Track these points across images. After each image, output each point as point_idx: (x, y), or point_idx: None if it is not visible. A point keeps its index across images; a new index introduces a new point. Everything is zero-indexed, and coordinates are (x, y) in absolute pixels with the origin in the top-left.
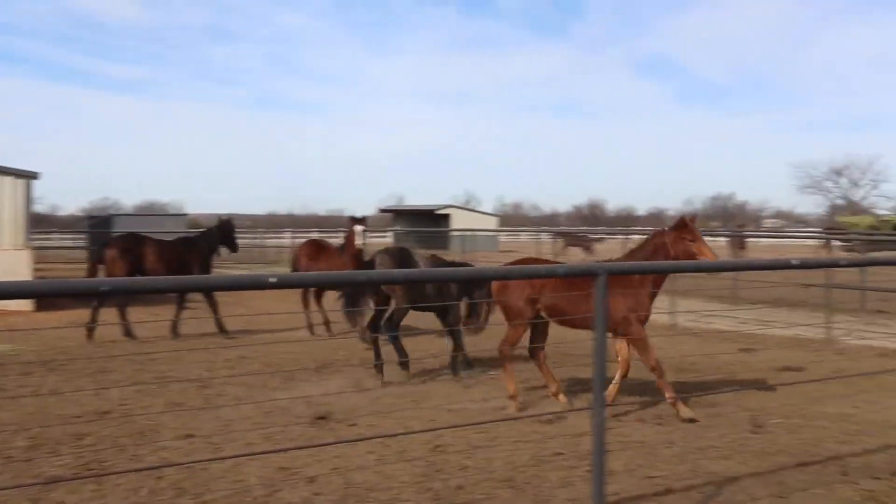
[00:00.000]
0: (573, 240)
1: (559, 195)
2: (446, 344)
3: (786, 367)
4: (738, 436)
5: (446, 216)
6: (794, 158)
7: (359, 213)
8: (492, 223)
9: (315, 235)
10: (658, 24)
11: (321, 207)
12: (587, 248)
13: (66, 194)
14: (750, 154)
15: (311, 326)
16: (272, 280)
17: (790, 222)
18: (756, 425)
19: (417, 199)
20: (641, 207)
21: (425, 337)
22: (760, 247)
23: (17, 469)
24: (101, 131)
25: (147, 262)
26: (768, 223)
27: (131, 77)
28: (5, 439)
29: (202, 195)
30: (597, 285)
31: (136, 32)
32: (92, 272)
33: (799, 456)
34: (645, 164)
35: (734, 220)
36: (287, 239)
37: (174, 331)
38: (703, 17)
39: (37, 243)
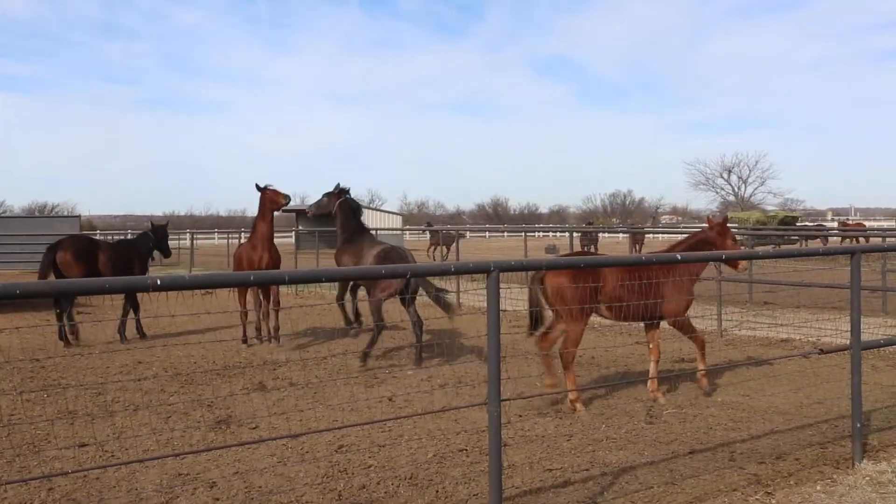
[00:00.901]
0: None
1: (463, 194)
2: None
3: (679, 358)
4: (634, 426)
5: None
6: (687, 156)
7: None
8: (396, 222)
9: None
10: (556, 24)
11: (222, 207)
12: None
13: None
14: (646, 152)
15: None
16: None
17: (685, 218)
18: (651, 416)
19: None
20: (543, 205)
21: (327, 334)
22: (659, 242)
23: None
24: None
25: (99, 265)
26: (664, 219)
27: (16, 74)
28: None
29: (98, 196)
30: (490, 280)
31: (21, 27)
32: (44, 276)
33: (691, 444)
34: (546, 162)
35: (632, 216)
36: (187, 240)
37: (122, 332)
38: (600, 18)
39: None
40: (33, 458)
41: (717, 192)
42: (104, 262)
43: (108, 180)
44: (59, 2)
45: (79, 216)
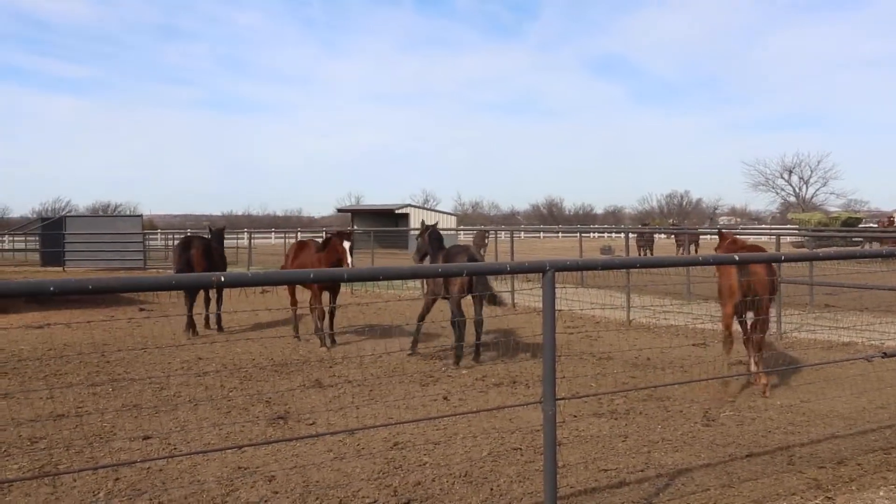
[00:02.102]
0: None
1: (517, 194)
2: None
3: (737, 360)
4: (690, 429)
5: (405, 215)
6: (746, 156)
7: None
8: (451, 222)
9: (272, 236)
10: (611, 23)
11: (279, 207)
12: None
13: (17, 196)
14: (703, 152)
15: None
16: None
17: (744, 219)
18: (708, 418)
19: (376, 198)
20: (599, 206)
21: (381, 334)
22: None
23: None
24: (53, 132)
25: (215, 259)
26: (722, 220)
27: (82, 77)
28: None
29: (158, 196)
30: (545, 279)
31: (83, 31)
32: (181, 271)
33: (748, 447)
34: (601, 162)
35: (689, 217)
36: (245, 239)
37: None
38: (656, 17)
39: None
40: (101, 448)
41: (777, 193)
42: (215, 258)
43: (168, 180)
44: (121, 6)
45: (141, 216)
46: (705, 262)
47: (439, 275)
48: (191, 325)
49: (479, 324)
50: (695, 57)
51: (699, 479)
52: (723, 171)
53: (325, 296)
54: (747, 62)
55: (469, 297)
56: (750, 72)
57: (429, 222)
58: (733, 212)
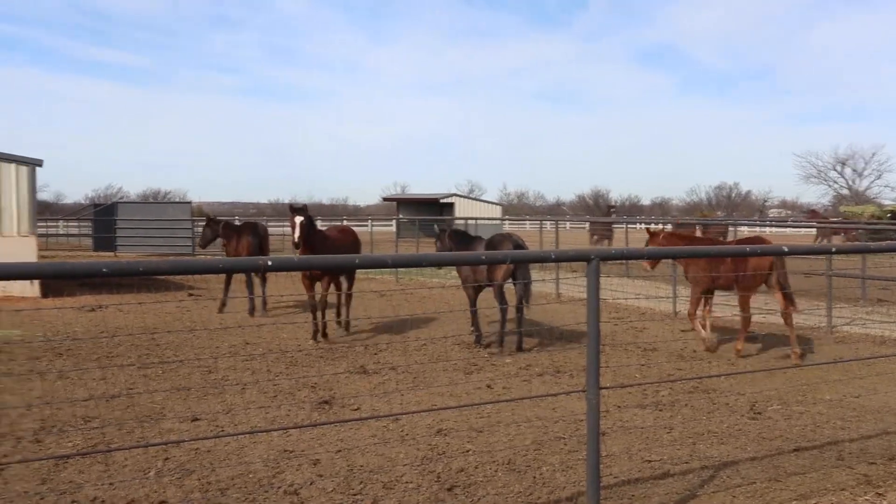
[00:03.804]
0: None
1: (563, 184)
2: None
3: (785, 354)
4: (736, 421)
5: (450, 205)
6: (798, 148)
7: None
8: (496, 212)
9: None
10: (658, 13)
11: (325, 195)
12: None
13: (71, 182)
14: (754, 143)
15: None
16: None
17: (795, 212)
18: (755, 411)
19: (421, 188)
20: (646, 197)
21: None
22: (765, 236)
23: (27, 449)
24: (104, 119)
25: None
26: (772, 212)
27: (133, 65)
28: (15, 421)
29: (206, 183)
30: (590, 268)
31: (135, 20)
32: (251, 255)
33: (796, 441)
34: (649, 153)
35: (738, 209)
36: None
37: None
38: (705, 5)
39: (42, 231)
40: (151, 428)
41: (829, 186)
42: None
43: (216, 168)
44: None
45: (190, 202)
46: (753, 253)
47: (483, 262)
48: (223, 305)
49: (520, 311)
50: (745, 47)
51: (745, 471)
52: (773, 162)
53: (320, 285)
54: (799, 52)
55: (511, 285)
56: (802, 62)
57: (473, 213)
58: (784, 204)
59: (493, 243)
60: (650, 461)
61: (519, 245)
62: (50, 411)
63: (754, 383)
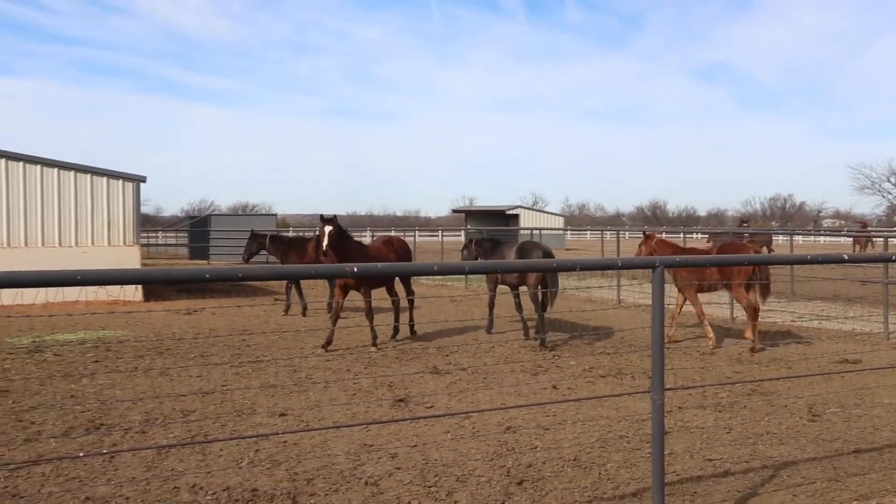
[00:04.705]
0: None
1: (622, 196)
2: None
3: (842, 359)
4: (796, 423)
5: (516, 216)
6: (851, 160)
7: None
8: (558, 223)
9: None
10: (716, 32)
11: (398, 208)
12: None
13: (169, 197)
14: (808, 156)
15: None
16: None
17: (848, 222)
18: (813, 414)
19: (488, 200)
20: (702, 208)
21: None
22: (820, 245)
23: (134, 439)
24: (199, 139)
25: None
26: (826, 223)
27: (224, 88)
28: (122, 413)
29: (290, 197)
30: (655, 275)
31: (226, 47)
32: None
33: (855, 443)
34: (705, 165)
35: (792, 220)
36: (368, 237)
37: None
38: (760, 24)
39: (144, 241)
40: (242, 423)
41: (883, 196)
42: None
43: (299, 182)
44: (257, 24)
45: (275, 214)
46: (814, 261)
47: (550, 269)
48: (288, 307)
49: (542, 315)
50: (799, 63)
51: (805, 471)
52: (827, 174)
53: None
54: (852, 68)
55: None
56: (855, 78)
57: (537, 223)
58: (837, 214)
59: (523, 250)
60: (711, 460)
61: (548, 252)
62: (153, 405)
63: (812, 387)
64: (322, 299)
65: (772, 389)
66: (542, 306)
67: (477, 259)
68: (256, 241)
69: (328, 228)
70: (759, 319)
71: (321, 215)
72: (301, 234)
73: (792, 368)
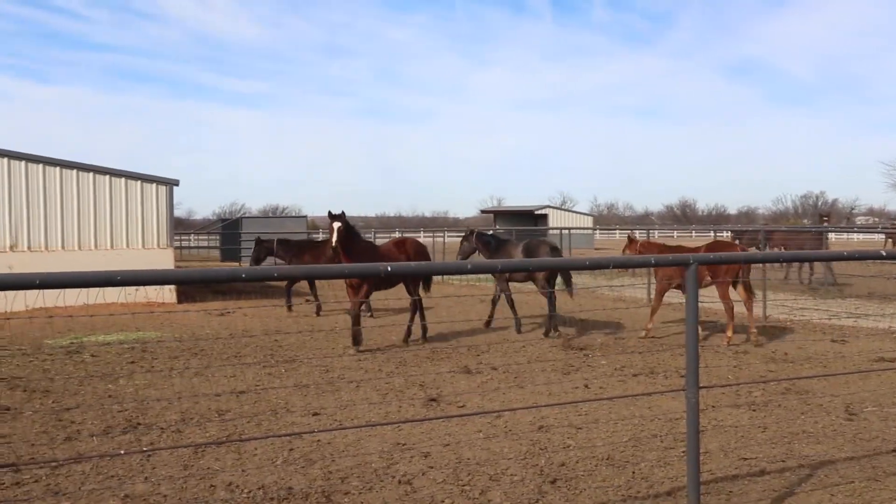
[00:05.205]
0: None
1: (651, 195)
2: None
3: (879, 357)
4: (832, 422)
5: (544, 216)
6: (885, 156)
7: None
8: (587, 223)
9: (421, 235)
10: (747, 28)
11: (427, 209)
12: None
13: (201, 200)
14: (841, 153)
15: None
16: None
17: (882, 219)
18: (850, 412)
19: (516, 200)
20: (732, 207)
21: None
22: (854, 243)
23: (171, 439)
24: (231, 142)
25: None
26: (859, 220)
27: (254, 92)
28: (159, 413)
29: (320, 199)
30: (689, 272)
31: (257, 50)
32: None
33: (894, 442)
34: (735, 163)
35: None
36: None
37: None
38: (792, 19)
39: (177, 243)
40: (276, 421)
41: None
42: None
43: (329, 184)
44: (288, 27)
45: (305, 216)
46: (850, 258)
47: (584, 267)
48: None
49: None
50: (833, 57)
51: (843, 471)
52: (861, 171)
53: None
54: (886, 63)
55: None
56: (890, 72)
57: (566, 223)
58: (871, 212)
59: (530, 247)
60: (746, 459)
61: (556, 248)
62: (189, 405)
63: (848, 385)
64: (344, 300)
65: (807, 388)
66: (552, 305)
67: (475, 252)
68: (264, 247)
69: (337, 225)
70: (802, 317)
71: (329, 212)
72: (311, 236)
73: (827, 367)
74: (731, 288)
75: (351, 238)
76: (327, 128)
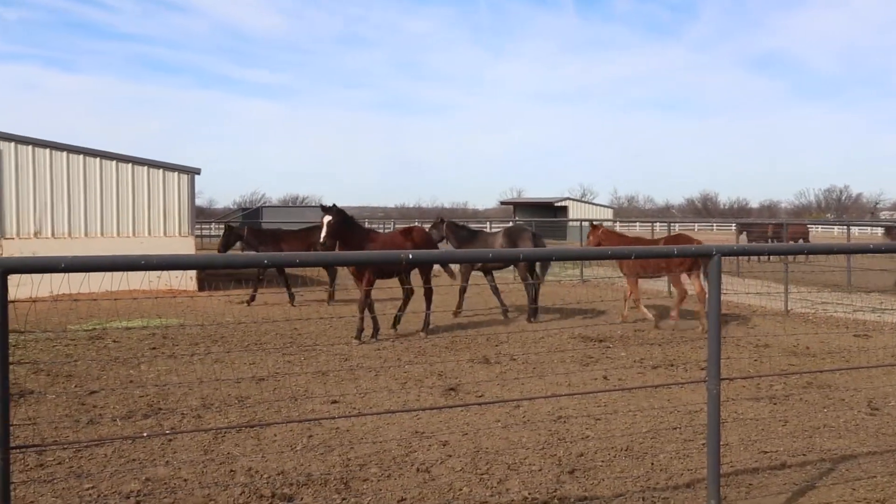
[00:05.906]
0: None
1: (672, 188)
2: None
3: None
4: (854, 416)
5: (564, 208)
6: None
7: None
8: (607, 215)
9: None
10: (771, 21)
11: (447, 199)
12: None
13: (221, 189)
14: (865, 146)
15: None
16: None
17: None
18: (872, 407)
19: (536, 192)
20: (754, 200)
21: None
22: (878, 237)
23: (191, 424)
24: (251, 133)
25: None
26: (884, 214)
27: (275, 83)
28: (180, 398)
29: (339, 188)
30: (712, 264)
31: (276, 42)
32: None
33: None
34: (757, 156)
35: (848, 212)
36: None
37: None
38: (816, 12)
39: (197, 232)
40: (295, 408)
41: None
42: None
43: (349, 174)
44: (307, 19)
45: None
46: (877, 250)
47: (605, 257)
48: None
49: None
50: (857, 51)
51: (865, 465)
52: (885, 165)
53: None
54: None
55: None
56: None
57: (585, 215)
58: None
59: (511, 234)
60: (766, 452)
61: (536, 236)
62: (209, 391)
63: (871, 380)
64: (350, 293)
65: (829, 382)
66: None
67: (443, 240)
68: (233, 234)
69: (327, 218)
70: (825, 312)
71: (321, 204)
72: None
73: (850, 361)
74: (685, 277)
75: (347, 230)
76: (347, 119)
